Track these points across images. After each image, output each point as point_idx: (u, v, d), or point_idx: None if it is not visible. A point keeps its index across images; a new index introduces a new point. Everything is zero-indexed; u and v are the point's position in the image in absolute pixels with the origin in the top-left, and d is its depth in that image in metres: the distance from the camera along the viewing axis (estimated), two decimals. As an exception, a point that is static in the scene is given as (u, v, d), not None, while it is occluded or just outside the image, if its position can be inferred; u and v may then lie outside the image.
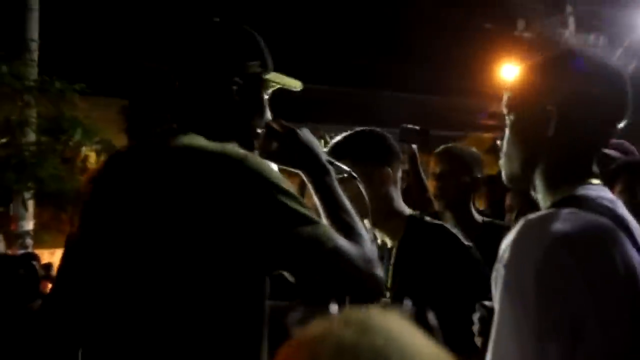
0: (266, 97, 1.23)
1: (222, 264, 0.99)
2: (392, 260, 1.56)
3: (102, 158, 6.99)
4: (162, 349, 0.99)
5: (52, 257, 11.27)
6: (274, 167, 1.10)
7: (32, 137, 6.57)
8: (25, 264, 3.18)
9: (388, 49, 12.83)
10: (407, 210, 1.61)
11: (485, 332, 1.07)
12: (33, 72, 6.74)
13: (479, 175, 2.15)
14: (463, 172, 2.10)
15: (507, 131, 1.02)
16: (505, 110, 1.03)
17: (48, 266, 3.97)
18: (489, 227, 1.99)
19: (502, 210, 2.56)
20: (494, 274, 0.83)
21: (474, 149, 2.33)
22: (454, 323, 1.30)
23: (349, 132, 1.64)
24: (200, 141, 1.06)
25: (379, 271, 1.09)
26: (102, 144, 6.86)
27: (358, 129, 1.64)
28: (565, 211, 0.80)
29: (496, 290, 0.81)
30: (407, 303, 1.08)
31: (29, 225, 6.94)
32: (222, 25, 1.20)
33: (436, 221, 1.60)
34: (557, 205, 0.87)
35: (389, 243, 1.60)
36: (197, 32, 1.21)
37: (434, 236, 1.51)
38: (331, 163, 1.30)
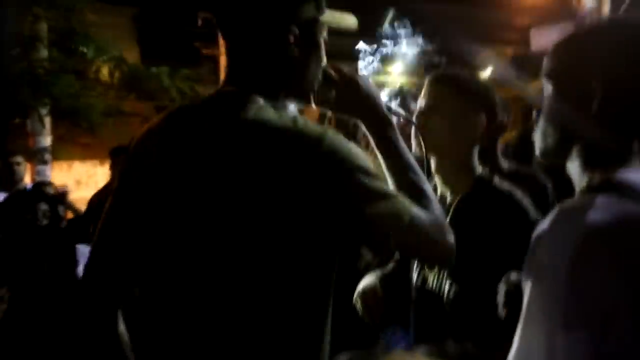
0: (323, 41, 1.12)
1: (298, 244, 0.97)
2: (447, 218, 1.44)
3: (116, 73, 6.91)
4: (229, 323, 0.99)
5: (70, 169, 11.54)
6: (356, 148, 1.02)
7: (44, 52, 6.46)
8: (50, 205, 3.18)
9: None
10: (479, 168, 1.50)
11: (509, 305, 1.08)
12: (40, -17, 6.51)
13: (504, 119, 2.06)
14: (488, 115, 2.02)
15: (544, 104, 0.96)
16: (543, 80, 0.96)
17: (63, 194, 3.99)
18: (514, 177, 1.94)
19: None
20: (525, 262, 0.82)
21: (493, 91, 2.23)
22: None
23: (459, 72, 1.54)
24: (270, 114, 1.00)
25: (451, 237, 1.06)
26: (115, 59, 6.75)
27: (467, 74, 1.53)
28: (602, 199, 0.77)
29: (527, 278, 0.80)
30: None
31: (47, 141, 6.99)
32: None
33: (506, 187, 1.46)
34: (594, 189, 0.83)
35: (449, 197, 1.50)
36: None
37: (498, 204, 1.39)
38: (388, 108, 1.23)
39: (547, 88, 0.95)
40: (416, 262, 1.49)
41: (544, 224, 0.80)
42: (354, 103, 1.15)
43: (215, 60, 13.53)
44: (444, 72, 1.53)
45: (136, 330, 1.08)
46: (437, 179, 1.51)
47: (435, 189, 1.51)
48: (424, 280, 1.48)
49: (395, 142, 1.14)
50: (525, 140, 2.42)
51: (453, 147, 1.39)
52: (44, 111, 6.47)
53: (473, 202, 1.42)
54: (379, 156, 1.15)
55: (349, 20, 1.18)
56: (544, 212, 1.93)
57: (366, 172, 0.98)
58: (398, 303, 1.55)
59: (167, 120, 1.08)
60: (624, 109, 0.86)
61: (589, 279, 0.72)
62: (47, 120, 6.76)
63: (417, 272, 1.50)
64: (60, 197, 3.75)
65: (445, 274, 1.41)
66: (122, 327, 1.10)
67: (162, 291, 1.05)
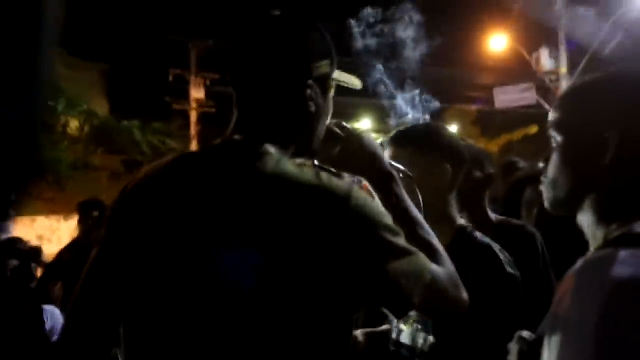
0: (332, 98, 1.11)
1: (320, 302, 0.93)
2: None
3: (86, 127, 6.84)
4: None
5: (33, 224, 11.19)
6: (378, 203, 1.01)
7: (11, 104, 6.37)
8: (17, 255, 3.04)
9: (375, 20, 12.59)
10: (459, 220, 1.48)
11: None
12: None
13: (491, 171, 2.03)
14: (475, 168, 1.96)
15: (553, 154, 0.92)
16: (551, 131, 0.94)
17: (37, 251, 3.84)
18: (503, 227, 1.93)
19: (517, 198, 2.32)
20: (548, 318, 0.77)
21: (478, 147, 2.24)
22: (484, 353, 1.26)
23: (413, 124, 1.54)
24: (290, 166, 0.96)
25: (465, 292, 1.04)
26: (85, 113, 6.70)
27: (423, 123, 1.54)
28: (626, 253, 0.73)
29: (551, 336, 0.75)
30: None
31: (12, 195, 6.78)
32: (286, 19, 1.05)
33: (486, 240, 1.44)
34: (614, 243, 0.78)
35: None
36: (259, 30, 1.04)
37: (476, 256, 1.37)
38: (389, 164, 1.20)
39: (556, 139, 0.93)
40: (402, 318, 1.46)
41: (566, 279, 0.75)
42: (358, 159, 1.14)
43: (185, 116, 13.57)
44: (398, 132, 1.50)
45: None
46: None
47: None
48: (399, 332, 1.45)
49: (401, 198, 1.13)
50: (512, 194, 2.40)
51: (425, 200, 1.39)
52: (8, 165, 6.31)
53: (452, 253, 1.41)
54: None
55: (354, 80, 1.18)
56: (534, 262, 1.92)
57: (391, 230, 0.96)
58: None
59: (170, 166, 1.02)
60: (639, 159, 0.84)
61: (619, 337, 0.67)
62: (12, 174, 6.59)
63: (394, 327, 1.47)
64: (34, 254, 3.59)
65: (420, 327, 1.38)
66: None
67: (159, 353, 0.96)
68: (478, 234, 1.45)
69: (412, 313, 1.40)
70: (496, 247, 1.41)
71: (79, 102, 6.42)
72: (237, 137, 1.02)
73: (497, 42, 13.50)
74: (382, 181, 1.13)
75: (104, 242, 1.01)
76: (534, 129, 13.04)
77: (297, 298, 0.91)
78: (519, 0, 12.35)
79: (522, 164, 2.94)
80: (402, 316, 1.04)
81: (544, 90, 13.05)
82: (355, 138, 1.14)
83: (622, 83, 0.89)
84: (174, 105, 13.89)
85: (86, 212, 3.94)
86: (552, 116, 0.94)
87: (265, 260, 0.90)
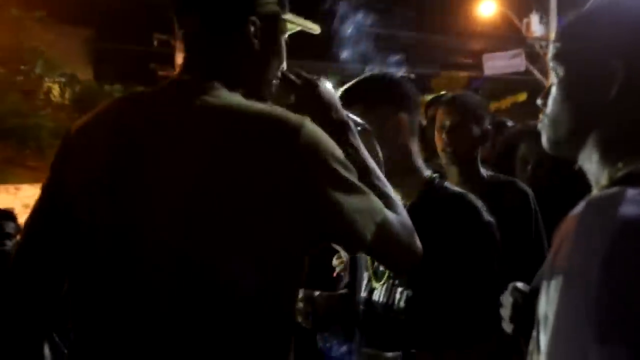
0: (284, 41, 1.09)
1: (267, 232, 0.90)
2: None
3: (67, 92, 6.70)
4: (181, 322, 0.89)
5: (18, 192, 11.04)
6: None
7: (-11, 68, 6.21)
8: None
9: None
10: (426, 171, 1.44)
11: (517, 319, 0.98)
12: (-13, -2, 6.29)
13: (488, 127, 1.97)
14: (474, 123, 1.92)
15: (553, 88, 0.85)
16: (551, 63, 0.86)
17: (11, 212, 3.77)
18: (493, 183, 1.89)
19: (510, 158, 2.23)
20: (547, 264, 0.72)
21: (478, 97, 2.16)
22: (459, 307, 1.22)
23: (361, 77, 1.46)
24: (240, 99, 0.95)
25: (419, 242, 1.03)
26: (66, 77, 6.54)
27: (370, 72, 1.46)
28: (634, 191, 0.68)
29: (550, 282, 0.70)
30: None
31: (-8, 161, 6.68)
32: None
33: (457, 189, 1.40)
34: (620, 182, 0.73)
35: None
36: None
37: (451, 206, 1.34)
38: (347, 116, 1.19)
39: (558, 72, 0.85)
40: (367, 274, 1.44)
41: (567, 222, 0.70)
42: (314, 108, 1.11)
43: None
44: (344, 90, 1.43)
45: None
46: None
47: None
48: (370, 291, 1.43)
49: (356, 147, 1.11)
50: (504, 152, 2.34)
51: (386, 154, 1.35)
52: (-12, 130, 6.19)
53: (421, 205, 1.38)
54: None
55: (312, 25, 1.15)
56: (526, 219, 1.90)
57: (344, 165, 0.95)
58: (346, 320, 1.52)
59: (114, 106, 1.01)
60: None
61: (625, 279, 0.61)
62: (-8, 140, 6.47)
63: (365, 286, 1.45)
64: (9, 214, 3.52)
65: (397, 282, 1.36)
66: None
67: (103, 291, 0.94)
68: (447, 184, 1.42)
69: (382, 269, 1.39)
70: (469, 195, 1.37)
71: (59, 65, 6.24)
72: (184, 76, 1.00)
73: (487, 8, 13.34)
74: (338, 130, 1.11)
75: (44, 188, 1.01)
76: (522, 97, 12.96)
77: (240, 227, 0.88)
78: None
79: (510, 123, 2.90)
80: (354, 252, 1.03)
81: (533, 56, 12.96)
82: (311, 86, 1.13)
83: (629, 7, 0.81)
84: (159, 71, 13.65)
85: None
86: (553, 47, 0.86)
87: (206, 190, 0.88)
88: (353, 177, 0.96)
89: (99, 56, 13.57)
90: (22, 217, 4.86)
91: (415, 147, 1.43)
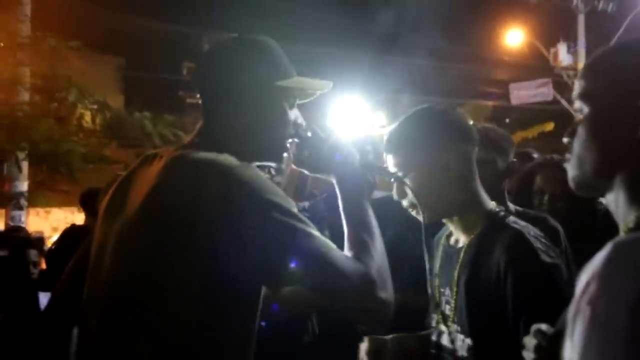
0: (288, 107, 1.19)
1: (208, 278, 0.96)
2: (458, 264, 1.32)
3: (98, 118, 6.85)
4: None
5: (48, 215, 11.27)
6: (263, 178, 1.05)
7: (25, 96, 6.39)
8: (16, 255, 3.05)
9: (389, 14, 12.53)
10: (489, 204, 1.36)
11: None
12: (25, 29, 6.53)
13: (514, 159, 1.94)
14: (499, 157, 1.88)
15: (579, 127, 0.84)
16: (577, 102, 0.85)
17: (40, 240, 3.84)
18: (523, 219, 1.84)
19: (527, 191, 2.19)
20: (571, 308, 0.70)
21: (502, 130, 2.12)
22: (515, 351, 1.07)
23: (405, 115, 1.40)
24: (202, 153, 1.05)
25: (384, 293, 1.01)
26: (98, 104, 6.69)
27: (414, 109, 1.41)
28: None
29: (574, 327, 0.67)
30: None
31: (24, 186, 6.84)
32: (237, 40, 1.21)
33: (520, 223, 1.30)
34: None
35: (460, 242, 1.36)
36: (215, 51, 1.23)
37: (509, 243, 1.23)
38: (374, 167, 1.26)
39: (583, 110, 0.84)
40: (436, 316, 1.39)
41: (593, 264, 0.68)
42: (325, 162, 1.19)
43: (199, 109, 13.58)
44: (388, 137, 1.40)
45: None
46: (449, 225, 1.40)
47: (448, 237, 1.42)
48: (439, 334, 1.36)
49: (358, 205, 1.14)
50: (522, 185, 2.29)
51: (438, 192, 1.33)
52: (21, 155, 6.34)
53: (483, 241, 1.30)
54: (342, 214, 1.15)
55: (319, 85, 1.21)
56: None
57: (278, 208, 0.98)
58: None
59: (139, 161, 1.19)
60: None
61: None
62: (25, 165, 6.63)
63: (434, 328, 1.39)
64: (35, 242, 3.59)
65: (458, 328, 1.29)
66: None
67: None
68: (511, 218, 1.33)
69: (452, 312, 1.33)
70: (530, 231, 1.27)
71: (91, 93, 6.39)
72: (195, 139, 1.16)
73: (514, 37, 13.33)
74: (345, 188, 1.17)
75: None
76: (550, 126, 12.81)
77: (174, 267, 0.96)
78: (536, -6, 12.18)
79: (537, 155, 2.85)
80: (273, 286, 1.04)
81: (561, 86, 12.85)
82: (321, 142, 1.19)
83: None
84: (188, 98, 13.93)
85: (86, 203, 3.92)
86: (578, 85, 0.85)
87: (149, 229, 1.00)
88: (289, 219, 0.98)
89: (129, 84, 13.93)
90: (51, 240, 4.93)
91: (473, 180, 1.36)
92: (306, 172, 1.22)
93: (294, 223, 0.97)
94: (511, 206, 1.88)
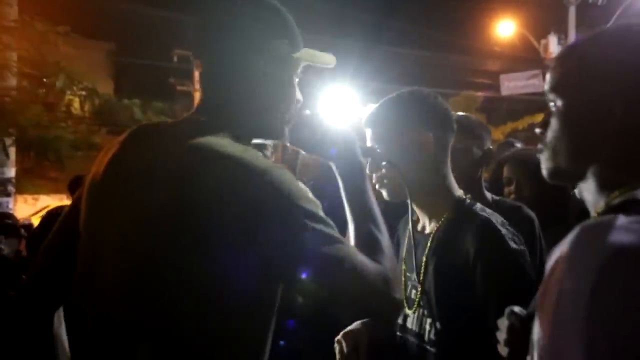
0: (296, 78, 1.12)
1: (230, 280, 0.93)
2: (427, 250, 1.34)
3: (87, 105, 6.79)
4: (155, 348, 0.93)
5: (36, 202, 11.20)
6: (297, 183, 0.99)
7: (12, 81, 6.32)
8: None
9: (383, 4, 12.50)
10: (457, 191, 1.39)
11: (513, 343, 0.96)
12: (12, 12, 6.43)
13: (490, 147, 1.94)
14: (475, 145, 1.89)
15: (552, 119, 0.85)
16: (550, 94, 0.86)
17: (28, 227, 3.83)
18: (499, 207, 1.85)
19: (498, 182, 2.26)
20: (539, 290, 0.71)
21: (477, 118, 2.14)
22: (490, 344, 1.08)
23: (385, 98, 1.42)
24: (223, 140, 0.98)
25: (398, 293, 1.00)
26: (87, 91, 6.64)
27: (395, 93, 1.42)
28: (625, 219, 0.67)
29: (542, 308, 0.69)
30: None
31: (11, 172, 6.79)
32: (244, 2, 1.08)
33: (487, 212, 1.33)
34: (615, 209, 0.73)
35: (428, 228, 1.40)
36: (218, 12, 1.09)
37: (478, 231, 1.26)
38: (370, 151, 1.22)
39: (555, 103, 0.85)
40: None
41: (561, 246, 0.70)
42: (325, 144, 1.15)
43: (189, 97, 13.53)
44: (370, 112, 1.42)
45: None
46: (415, 210, 1.42)
47: (415, 223, 1.43)
48: (404, 318, 1.38)
49: (360, 190, 1.11)
50: (494, 175, 2.35)
51: (414, 175, 1.33)
52: (9, 141, 6.28)
53: (450, 228, 1.33)
54: (344, 200, 1.12)
55: (326, 59, 1.15)
56: (532, 245, 1.86)
57: (308, 212, 0.94)
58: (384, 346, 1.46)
59: (125, 139, 1.09)
60: None
61: (614, 308, 0.61)
62: (12, 151, 6.57)
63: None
64: (10, 229, 3.59)
65: (425, 312, 1.32)
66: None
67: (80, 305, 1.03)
68: (478, 206, 1.35)
69: (417, 297, 1.33)
70: (497, 219, 1.31)
71: (80, 79, 6.33)
72: (194, 116, 1.08)
73: (505, 28, 13.35)
74: (345, 171, 1.13)
75: (69, 206, 1.12)
76: (540, 117, 12.87)
77: (196, 264, 0.91)
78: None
79: (519, 144, 2.87)
80: (297, 291, 1.01)
81: (551, 77, 12.91)
82: (322, 123, 1.15)
83: (625, 38, 0.81)
84: (178, 86, 13.84)
85: (74, 190, 3.90)
86: (549, 78, 0.86)
87: (168, 225, 0.93)
88: (318, 224, 0.94)
89: (119, 70, 13.82)
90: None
91: (443, 166, 1.38)
92: (302, 151, 1.19)
93: (322, 229, 0.94)
94: (488, 195, 1.91)
